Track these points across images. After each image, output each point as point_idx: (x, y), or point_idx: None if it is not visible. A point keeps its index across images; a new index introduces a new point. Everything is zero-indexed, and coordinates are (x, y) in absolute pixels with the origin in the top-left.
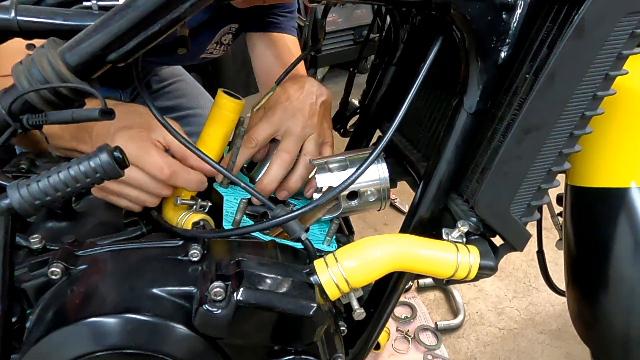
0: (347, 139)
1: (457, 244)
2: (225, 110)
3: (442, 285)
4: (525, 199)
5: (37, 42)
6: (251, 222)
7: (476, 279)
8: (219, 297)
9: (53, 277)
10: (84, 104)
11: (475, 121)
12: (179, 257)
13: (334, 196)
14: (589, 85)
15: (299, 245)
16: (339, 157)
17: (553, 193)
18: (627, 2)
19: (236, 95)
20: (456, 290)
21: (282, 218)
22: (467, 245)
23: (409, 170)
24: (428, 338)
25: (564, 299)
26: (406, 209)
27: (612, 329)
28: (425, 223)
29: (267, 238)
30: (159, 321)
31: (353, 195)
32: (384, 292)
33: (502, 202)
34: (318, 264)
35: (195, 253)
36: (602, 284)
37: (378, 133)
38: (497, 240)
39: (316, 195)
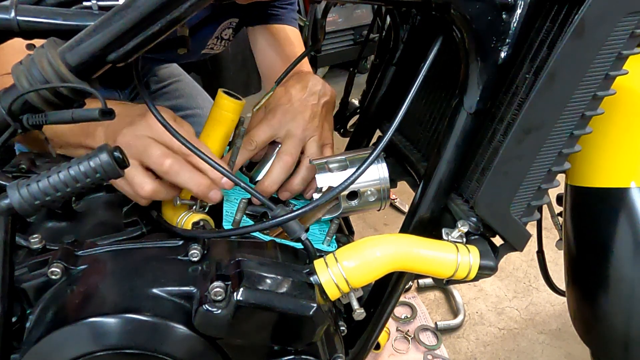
0: (347, 139)
1: (457, 244)
2: (225, 110)
3: (442, 285)
4: (525, 199)
5: (37, 42)
6: (251, 222)
7: (476, 279)
8: (219, 297)
9: (53, 277)
10: (84, 104)
11: (475, 121)
12: (179, 257)
13: (334, 196)
14: (589, 85)
15: (299, 245)
16: (339, 157)
17: (553, 193)
18: (627, 2)
19: (236, 96)
20: (456, 290)
21: (282, 218)
22: (467, 245)
23: (409, 170)
24: (428, 338)
25: (564, 299)
26: (406, 209)
27: (612, 329)
28: (425, 223)
29: (267, 238)
30: (158, 321)
31: (353, 195)
32: (384, 292)
33: (502, 202)
34: (318, 264)
35: (195, 253)
36: (602, 284)
37: (378, 133)
38: (497, 240)
39: (316, 195)
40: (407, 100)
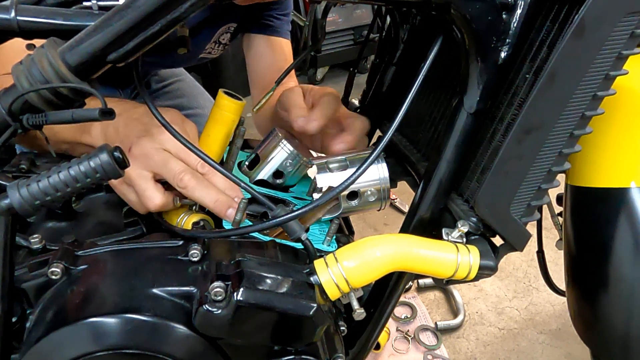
0: None
1: (457, 244)
2: (225, 111)
3: (442, 285)
4: (525, 199)
5: (37, 42)
6: (251, 223)
7: (476, 279)
8: (219, 297)
9: (53, 277)
10: (84, 104)
11: (475, 121)
12: (179, 257)
13: (334, 196)
14: (589, 85)
15: (299, 245)
16: (339, 157)
17: (553, 193)
18: (627, 2)
19: (236, 96)
20: (456, 290)
21: (282, 218)
22: (467, 245)
23: (409, 170)
24: (428, 338)
25: (564, 299)
26: (406, 209)
27: (612, 329)
28: (425, 223)
29: (267, 238)
30: (159, 321)
31: (353, 195)
32: (384, 292)
33: (502, 202)
34: (318, 264)
35: (195, 253)
36: (602, 284)
37: (378, 133)
38: (497, 240)
39: (316, 195)
40: (407, 100)
